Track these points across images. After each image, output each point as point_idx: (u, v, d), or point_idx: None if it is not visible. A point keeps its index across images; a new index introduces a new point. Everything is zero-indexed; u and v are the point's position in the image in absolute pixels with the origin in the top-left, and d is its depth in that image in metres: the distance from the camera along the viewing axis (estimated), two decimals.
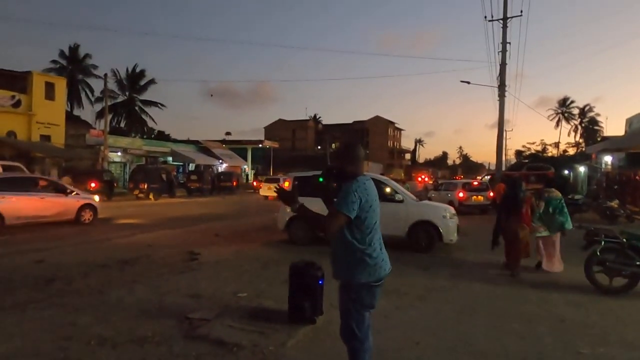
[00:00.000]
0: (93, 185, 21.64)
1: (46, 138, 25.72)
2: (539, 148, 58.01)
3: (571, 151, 56.61)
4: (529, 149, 58.07)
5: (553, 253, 7.08)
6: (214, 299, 5.05)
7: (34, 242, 9.13)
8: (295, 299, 4.32)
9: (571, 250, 8.26)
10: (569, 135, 65.68)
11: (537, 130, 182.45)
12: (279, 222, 9.47)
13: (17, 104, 24.31)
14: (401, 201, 8.86)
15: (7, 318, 4.32)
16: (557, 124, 66.00)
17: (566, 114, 66.16)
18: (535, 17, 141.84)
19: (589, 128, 63.16)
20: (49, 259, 7.31)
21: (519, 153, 60.83)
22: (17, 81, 24.98)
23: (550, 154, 55.20)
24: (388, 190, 9.23)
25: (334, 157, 2.75)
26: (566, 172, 27.65)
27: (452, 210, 9.09)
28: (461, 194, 18.00)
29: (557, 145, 63.33)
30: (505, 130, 29.53)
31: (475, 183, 20.26)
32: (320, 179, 2.75)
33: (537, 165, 25.55)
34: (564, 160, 33.95)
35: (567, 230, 7.13)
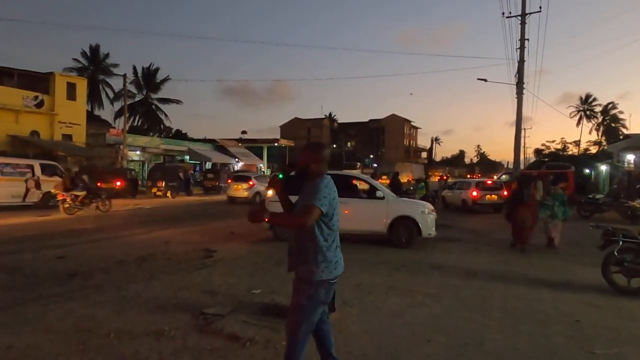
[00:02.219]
0: (118, 184, 22.30)
1: (68, 137, 26.37)
2: (559, 146, 56.84)
3: (593, 150, 55.26)
4: (548, 147, 56.98)
5: (557, 234, 9.13)
6: (229, 295, 5.15)
7: (55, 238, 9.42)
8: None
9: (588, 249, 8.15)
10: (590, 133, 64.17)
11: (557, 129, 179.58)
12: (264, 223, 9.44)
13: (40, 104, 24.98)
14: (382, 198, 9.03)
15: (31, 311, 4.50)
16: (579, 122, 64.54)
17: (588, 112, 64.60)
18: (558, 11, 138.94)
19: (611, 126, 61.56)
20: (70, 254, 7.54)
21: (538, 151, 59.74)
22: (40, 82, 25.66)
23: (570, 153, 54.00)
24: (369, 187, 9.45)
25: (300, 154, 2.77)
26: (587, 171, 27.04)
27: (430, 206, 9.31)
28: (475, 193, 17.82)
29: (577, 143, 61.94)
30: (524, 128, 29.21)
31: (489, 182, 20.02)
32: (280, 176, 2.78)
33: (556, 164, 25.05)
34: (585, 159, 33.16)
35: (566, 218, 9.35)
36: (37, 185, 15.62)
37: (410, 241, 8.74)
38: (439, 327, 4.27)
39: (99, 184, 22.49)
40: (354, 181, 10.09)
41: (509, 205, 9.88)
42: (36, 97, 24.80)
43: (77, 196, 13.80)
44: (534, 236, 9.39)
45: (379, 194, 9.10)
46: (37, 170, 15.95)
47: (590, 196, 16.79)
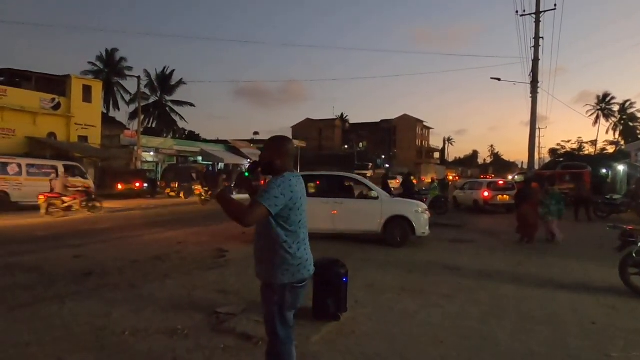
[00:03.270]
0: (137, 184, 22.78)
1: (84, 139, 26.81)
2: (575, 146, 55.91)
3: (610, 149, 54.19)
4: (563, 147, 56.12)
5: (557, 230, 9.93)
6: (241, 295, 5.18)
7: (72, 237, 9.58)
8: (319, 295, 4.39)
9: (605, 251, 8.00)
10: (607, 132, 62.94)
11: (573, 128, 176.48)
12: None
13: (57, 107, 25.46)
14: (376, 198, 9.12)
15: (49, 308, 4.59)
16: (596, 121, 63.36)
17: (605, 111, 63.37)
18: (574, 9, 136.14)
19: (629, 125, 60.29)
20: (86, 254, 7.68)
21: (553, 151, 58.86)
22: (57, 85, 26.16)
23: (587, 153, 53.08)
24: (364, 188, 9.58)
25: (264, 149, 2.63)
26: (604, 171, 26.54)
27: (424, 206, 9.49)
28: (486, 193, 17.65)
29: (594, 143, 60.84)
30: (539, 128, 28.76)
31: (501, 182, 19.81)
32: (246, 174, 2.64)
33: (572, 164, 24.63)
34: (602, 159, 32.55)
35: (561, 216, 10.28)
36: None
37: (404, 240, 8.84)
38: (453, 328, 4.23)
39: (119, 185, 23.08)
40: (348, 182, 10.21)
41: (515, 202, 11.00)
42: (53, 100, 25.29)
43: (63, 198, 13.43)
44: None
45: (373, 194, 9.23)
46: (61, 171, 16.34)
47: (607, 197, 16.49)
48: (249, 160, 40.01)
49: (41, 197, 13.15)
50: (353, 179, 10.33)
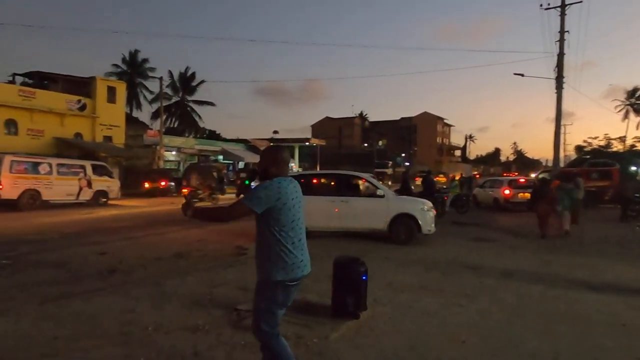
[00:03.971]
0: (163, 183, 23.37)
1: (108, 139, 27.49)
2: (603, 143, 54.07)
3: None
4: (590, 144, 54.32)
5: (567, 222, 10.50)
6: None
7: (98, 235, 9.84)
8: (338, 293, 4.39)
9: (635, 250, 7.74)
10: (637, 128, 60.74)
11: (601, 124, 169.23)
12: None
13: (82, 108, 26.17)
14: (382, 196, 9.17)
15: (76, 304, 4.73)
16: (625, 117, 61.22)
17: (635, 106, 61.13)
18: (603, 1, 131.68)
19: None
20: (111, 251, 7.87)
21: (579, 148, 57.07)
22: (82, 86, 26.88)
23: (615, 149, 51.28)
24: (370, 186, 9.66)
25: (260, 158, 2.86)
26: (633, 168, 25.61)
27: (429, 203, 9.46)
28: (507, 191, 17.34)
29: (623, 139, 58.74)
30: (564, 125, 27.97)
31: (522, 180, 19.41)
32: (247, 182, 2.87)
33: (600, 162, 23.86)
34: (631, 156, 31.42)
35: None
36: (89, 185, 16.64)
37: (410, 238, 8.89)
38: (474, 328, 4.17)
39: (145, 184, 23.71)
40: (355, 180, 10.33)
41: (533, 199, 11.44)
42: (79, 101, 26.00)
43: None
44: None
45: (379, 192, 9.31)
46: (89, 170, 16.93)
47: (637, 195, 15.92)
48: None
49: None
50: (359, 177, 10.42)
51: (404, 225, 8.94)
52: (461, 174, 28.75)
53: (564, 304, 4.98)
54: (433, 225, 9.07)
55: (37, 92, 24.00)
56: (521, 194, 17.37)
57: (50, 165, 15.86)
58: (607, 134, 57.32)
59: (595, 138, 56.00)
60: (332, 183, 9.86)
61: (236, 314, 4.38)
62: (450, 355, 3.56)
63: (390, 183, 25.35)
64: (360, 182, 10.30)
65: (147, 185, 23.75)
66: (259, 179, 2.79)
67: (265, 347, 2.72)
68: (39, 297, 4.92)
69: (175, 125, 45.08)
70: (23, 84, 26.35)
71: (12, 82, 26.19)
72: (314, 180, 10.13)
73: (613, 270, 6.85)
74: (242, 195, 2.76)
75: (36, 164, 15.53)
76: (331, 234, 9.45)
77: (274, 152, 2.82)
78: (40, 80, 26.48)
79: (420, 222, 8.85)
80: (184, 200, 22.64)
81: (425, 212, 9.02)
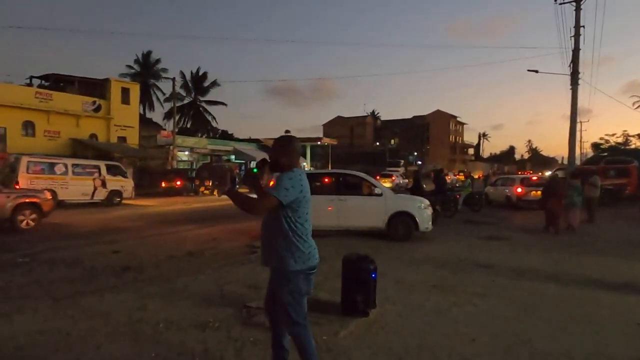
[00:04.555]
0: (179, 183, 23.77)
1: (122, 139, 27.91)
2: (620, 140, 52.89)
3: None
4: (607, 141, 53.16)
5: (575, 219, 10.91)
6: None
7: (111, 234, 10.00)
8: (348, 291, 4.38)
9: None
10: None
11: (619, 121, 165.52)
12: None
13: (97, 109, 26.61)
14: (380, 195, 9.28)
15: (89, 301, 4.81)
16: None
17: None
18: None
19: None
20: (124, 249, 8.00)
21: (596, 146, 55.95)
22: (97, 88, 27.34)
23: (633, 146, 50.13)
24: (368, 185, 9.75)
25: (271, 149, 2.82)
26: None
27: (426, 201, 9.60)
28: (519, 189, 17.14)
29: None
30: (580, 122, 27.47)
31: (535, 178, 19.18)
32: (255, 170, 2.76)
33: (617, 159, 23.35)
34: None
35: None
36: (103, 184, 16.94)
37: (408, 235, 9.00)
38: (485, 326, 4.12)
39: (162, 183, 24.17)
40: (353, 179, 10.40)
41: (543, 196, 11.72)
42: (94, 102, 26.45)
43: None
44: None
45: (377, 190, 9.41)
46: (103, 171, 17.21)
47: None
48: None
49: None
50: (357, 176, 10.48)
51: (402, 223, 9.08)
52: (479, 175, 28.73)
53: (577, 303, 4.90)
54: (430, 222, 9.24)
55: (53, 94, 24.48)
56: (534, 192, 17.15)
57: (65, 165, 16.18)
58: (625, 131, 55.97)
59: (613, 135, 54.79)
60: (331, 182, 9.92)
61: (246, 311, 4.40)
62: (461, 353, 3.52)
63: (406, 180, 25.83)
64: (358, 180, 10.42)
65: (163, 184, 24.15)
66: (269, 169, 2.75)
67: (296, 339, 2.73)
68: (54, 294, 5.02)
69: (188, 126, 45.55)
70: (40, 86, 26.91)
71: (30, 84, 26.77)
72: (312, 179, 10.12)
73: (628, 269, 6.71)
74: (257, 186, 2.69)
75: (52, 165, 15.86)
76: (340, 232, 9.44)
77: (287, 142, 2.80)
78: (57, 82, 27.01)
79: (417, 220, 8.99)
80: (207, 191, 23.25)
81: (422, 209, 9.17)
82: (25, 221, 10.32)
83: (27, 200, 10.43)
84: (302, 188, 2.64)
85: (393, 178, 30.59)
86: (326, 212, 8.99)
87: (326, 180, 10.14)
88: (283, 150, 2.75)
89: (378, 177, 29.73)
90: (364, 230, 9.39)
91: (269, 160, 2.76)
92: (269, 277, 2.82)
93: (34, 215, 10.49)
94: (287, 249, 2.64)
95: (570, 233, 10.51)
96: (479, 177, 28.27)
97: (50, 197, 11.23)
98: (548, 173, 28.21)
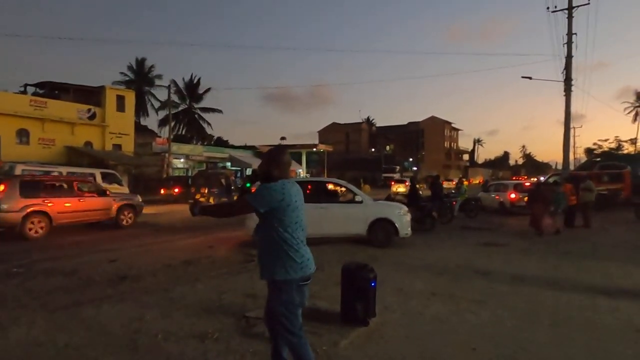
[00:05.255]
0: (176, 190, 23.67)
1: (118, 147, 27.81)
2: (613, 145, 53.38)
3: None
4: (600, 146, 53.66)
5: (561, 222, 11.84)
6: None
7: (108, 242, 9.92)
8: (347, 300, 4.36)
9: None
10: None
11: (612, 126, 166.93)
12: (249, 228, 9.13)
13: (92, 117, 26.52)
14: (360, 202, 9.45)
15: (86, 311, 4.75)
16: (635, 118, 60.47)
17: None
18: (615, 3, 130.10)
19: None
20: (121, 258, 7.92)
21: (589, 151, 56.41)
22: (92, 95, 27.27)
23: (626, 152, 50.57)
24: (348, 192, 9.93)
25: (261, 161, 2.88)
26: None
27: (405, 208, 9.80)
28: (512, 195, 17.20)
29: (634, 141, 57.93)
30: (574, 127, 27.70)
31: (528, 184, 19.26)
32: (248, 184, 2.87)
33: (611, 164, 23.57)
34: None
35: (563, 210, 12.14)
36: None
37: (388, 241, 9.16)
38: (485, 334, 4.11)
39: (162, 190, 24.07)
40: (334, 187, 10.64)
41: (529, 201, 12.43)
42: (89, 110, 26.37)
43: None
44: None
45: (357, 198, 9.55)
46: (99, 178, 17.06)
47: None
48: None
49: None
50: (338, 183, 10.65)
51: (382, 229, 9.20)
52: (480, 180, 29.18)
53: (576, 310, 4.90)
54: (409, 228, 9.44)
55: (48, 102, 24.39)
56: (527, 197, 17.25)
57: (60, 173, 16.05)
58: (617, 136, 56.54)
59: (606, 140, 55.32)
60: (311, 190, 9.89)
61: (245, 321, 4.37)
62: None
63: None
64: (338, 188, 10.48)
65: (162, 191, 24.11)
66: (260, 181, 2.81)
67: (293, 350, 2.75)
68: (50, 305, 4.96)
69: (183, 133, 45.47)
70: (34, 94, 26.82)
71: (24, 92, 26.67)
72: None
73: (626, 274, 6.74)
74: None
75: (47, 173, 15.72)
76: (339, 240, 9.43)
77: (276, 154, 2.84)
78: (51, 90, 26.91)
79: (397, 226, 9.13)
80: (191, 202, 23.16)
81: (401, 216, 9.34)
82: (124, 220, 12.65)
83: (127, 202, 12.90)
84: (284, 197, 2.64)
85: (407, 183, 31.77)
86: (307, 220, 8.95)
87: (307, 188, 10.04)
88: (273, 162, 2.79)
89: (393, 183, 29.94)
90: (346, 237, 9.42)
91: (258, 173, 2.83)
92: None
93: (131, 215, 12.88)
94: (277, 259, 2.65)
95: (565, 238, 10.64)
96: (479, 182, 28.57)
97: (141, 200, 13.68)
98: (542, 178, 28.35)
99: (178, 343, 3.85)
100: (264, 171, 2.79)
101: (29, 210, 10.26)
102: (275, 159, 2.80)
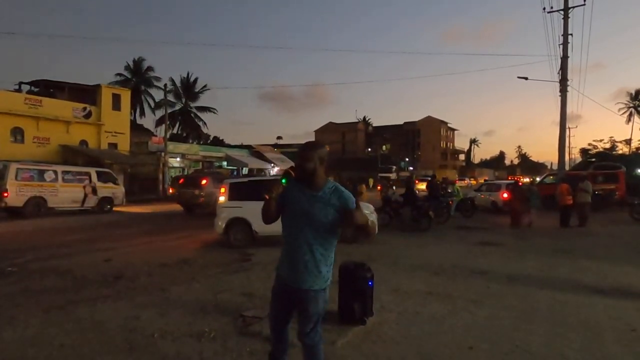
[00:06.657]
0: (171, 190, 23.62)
1: (113, 146, 27.67)
2: (608, 145, 53.71)
3: None
4: (595, 147, 53.98)
5: (530, 218, 13.20)
6: (266, 298, 5.16)
7: (103, 241, 9.87)
8: (345, 299, 4.36)
9: None
10: None
11: (607, 127, 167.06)
12: (217, 226, 9.33)
13: (88, 115, 26.37)
14: None
15: (81, 311, 4.72)
16: (629, 119, 60.86)
17: (639, 108, 60.78)
18: (612, 3, 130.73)
19: None
20: (116, 257, 7.88)
21: (584, 151, 56.74)
22: (88, 94, 27.11)
23: (621, 152, 50.88)
24: None
25: (302, 156, 2.51)
26: (639, 171, 25.38)
27: (371, 207, 10.11)
28: (505, 195, 17.33)
29: (628, 142, 58.32)
30: (569, 128, 27.86)
31: (520, 184, 19.44)
32: (283, 180, 2.54)
33: (606, 164, 23.69)
34: (637, 159, 31.13)
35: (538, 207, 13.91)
36: (94, 191, 16.73)
37: (355, 239, 9.00)
38: (482, 334, 4.12)
39: (170, 190, 24.02)
40: None
41: (508, 200, 14.54)
42: (84, 109, 26.20)
43: None
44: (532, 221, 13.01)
45: None
46: (94, 177, 16.97)
47: None
48: (271, 165, 40.39)
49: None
50: None
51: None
52: (482, 178, 29.18)
53: (572, 309, 4.92)
54: (376, 228, 9.73)
55: (43, 100, 24.21)
56: (506, 195, 17.52)
57: (55, 172, 15.96)
58: (612, 137, 56.89)
59: (601, 141, 55.70)
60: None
61: (242, 320, 4.36)
62: None
63: (395, 188, 25.57)
64: None
65: (171, 191, 24.06)
66: (296, 177, 2.51)
67: (315, 348, 2.73)
68: (45, 305, 4.93)
69: (179, 132, 45.30)
70: (29, 92, 26.61)
71: (19, 90, 26.45)
72: (256, 185, 9.44)
73: (622, 273, 6.77)
74: (271, 194, 2.53)
75: (42, 172, 15.62)
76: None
77: (320, 149, 2.52)
78: (47, 88, 26.74)
79: None
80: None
81: (369, 214, 9.34)
82: None
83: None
84: None
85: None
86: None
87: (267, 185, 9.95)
88: (320, 157, 2.47)
89: (417, 181, 29.56)
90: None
91: (293, 168, 2.54)
92: (283, 296, 2.70)
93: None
94: (330, 266, 2.60)
95: (560, 237, 10.82)
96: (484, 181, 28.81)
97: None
98: (538, 178, 28.54)
99: (174, 342, 3.83)
100: (310, 168, 2.45)
101: None
102: (321, 155, 2.48)
